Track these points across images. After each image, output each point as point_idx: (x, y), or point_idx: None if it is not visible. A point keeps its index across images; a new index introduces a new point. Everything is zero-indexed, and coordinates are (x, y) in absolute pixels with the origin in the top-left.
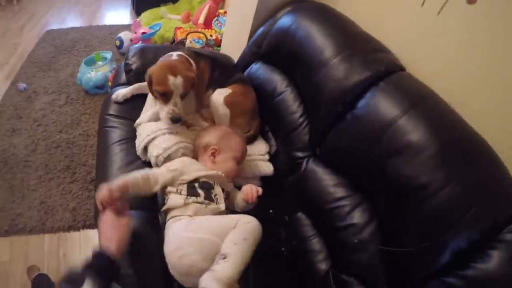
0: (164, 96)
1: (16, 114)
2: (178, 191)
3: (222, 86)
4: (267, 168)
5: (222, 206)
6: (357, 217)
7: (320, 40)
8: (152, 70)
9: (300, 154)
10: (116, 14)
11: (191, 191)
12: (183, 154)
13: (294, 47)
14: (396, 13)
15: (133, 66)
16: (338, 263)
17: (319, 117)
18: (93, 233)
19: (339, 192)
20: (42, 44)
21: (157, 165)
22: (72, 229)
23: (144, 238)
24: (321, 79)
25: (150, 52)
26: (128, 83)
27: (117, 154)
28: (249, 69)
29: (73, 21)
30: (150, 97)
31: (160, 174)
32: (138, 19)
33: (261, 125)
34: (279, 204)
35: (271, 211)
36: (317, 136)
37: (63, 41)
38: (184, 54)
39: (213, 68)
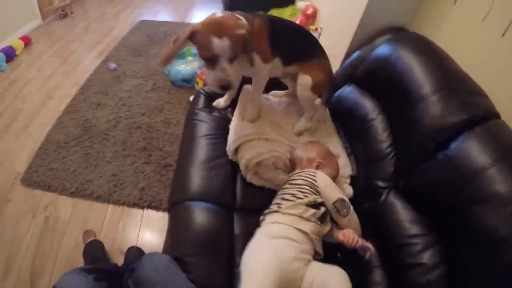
0: (210, 61)
1: (104, 90)
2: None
3: (301, 58)
4: (348, 190)
5: (328, 226)
6: (428, 257)
7: (420, 74)
8: (195, 29)
9: (381, 184)
10: (208, 14)
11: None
12: (273, 164)
13: (393, 76)
14: (495, 55)
15: None
16: None
17: (409, 151)
18: (155, 215)
19: (414, 229)
20: (135, 32)
21: (246, 167)
22: (137, 206)
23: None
24: (418, 114)
25: None
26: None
27: (202, 148)
28: (341, 90)
29: (166, 16)
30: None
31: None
32: None
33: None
34: None
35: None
36: (403, 170)
37: (155, 32)
38: (231, 13)
39: (274, 29)
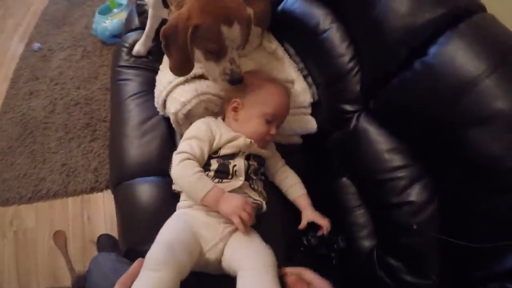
0: (216, 54)
1: (33, 76)
2: None
3: None
4: (310, 124)
5: (239, 181)
6: (416, 194)
7: None
8: (191, 16)
9: (348, 108)
10: None
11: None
12: (206, 109)
13: None
14: None
15: (147, 7)
16: (385, 244)
17: (376, 62)
18: None
19: (396, 160)
20: (55, 1)
21: (178, 123)
22: (95, 191)
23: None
24: (380, 14)
25: None
26: (142, 26)
27: (132, 111)
28: (283, 2)
29: None
30: None
31: (200, 149)
32: None
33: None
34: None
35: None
36: (372, 86)
37: None
38: None
39: None
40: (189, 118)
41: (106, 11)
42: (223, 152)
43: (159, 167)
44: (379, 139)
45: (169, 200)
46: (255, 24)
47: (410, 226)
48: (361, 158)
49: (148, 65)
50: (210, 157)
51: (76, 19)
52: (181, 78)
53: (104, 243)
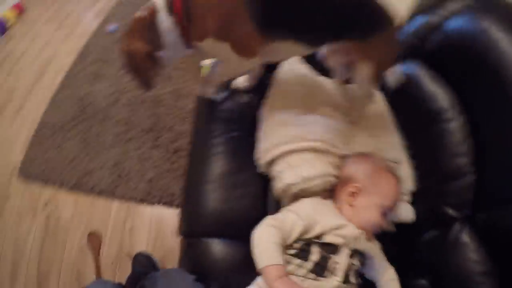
0: None
1: (102, 58)
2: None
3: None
4: (408, 213)
5: (334, 281)
6: None
7: None
8: None
9: (451, 212)
10: None
11: (302, 252)
12: (324, 190)
13: (485, 62)
14: None
15: None
16: None
17: (502, 178)
18: (167, 213)
19: (486, 285)
20: None
21: (283, 192)
22: (145, 202)
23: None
24: None
25: None
26: None
27: (221, 154)
28: (401, 66)
29: None
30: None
31: (292, 225)
32: None
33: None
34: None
35: None
36: (486, 202)
37: None
38: None
39: None
40: (298, 196)
41: None
42: (327, 239)
43: (245, 231)
44: (475, 258)
45: (249, 271)
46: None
47: None
48: (450, 270)
49: (244, 97)
50: (311, 242)
51: None
52: (303, 144)
53: (142, 263)
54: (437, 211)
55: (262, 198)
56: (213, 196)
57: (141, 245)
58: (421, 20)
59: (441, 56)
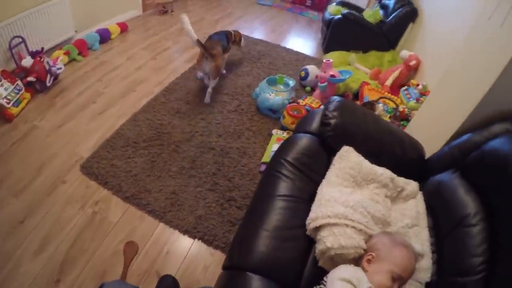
0: None
1: (186, 98)
2: None
3: None
4: None
5: None
6: None
7: None
8: None
9: None
10: (304, 43)
11: None
12: (354, 259)
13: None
14: None
15: (333, 121)
16: None
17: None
18: (204, 250)
19: None
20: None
21: (322, 253)
22: (188, 234)
23: None
24: None
25: (349, 110)
26: (320, 135)
27: (281, 210)
28: (442, 175)
29: (261, 34)
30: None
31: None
32: (331, 60)
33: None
34: None
35: None
36: None
37: (250, 50)
38: None
39: None
40: (333, 259)
41: (272, 83)
42: None
43: (284, 276)
44: None
45: None
46: None
47: None
48: None
49: (312, 174)
50: None
51: (242, 73)
52: (345, 221)
53: (168, 285)
54: None
55: (305, 255)
56: (266, 242)
57: (171, 270)
58: (467, 137)
59: (476, 171)
